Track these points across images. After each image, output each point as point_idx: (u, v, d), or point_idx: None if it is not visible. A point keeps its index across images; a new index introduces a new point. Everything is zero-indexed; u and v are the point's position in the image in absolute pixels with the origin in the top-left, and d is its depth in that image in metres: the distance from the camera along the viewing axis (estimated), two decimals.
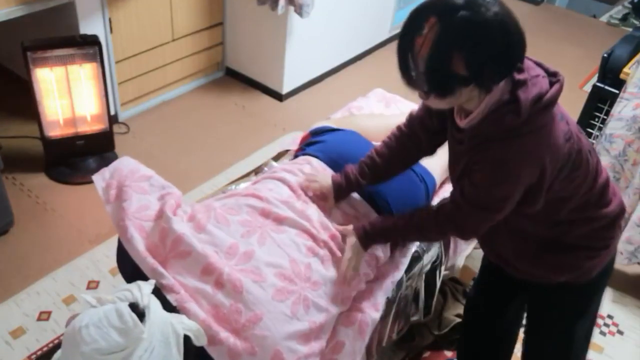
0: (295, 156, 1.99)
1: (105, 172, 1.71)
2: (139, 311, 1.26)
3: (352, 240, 1.62)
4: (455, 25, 1.19)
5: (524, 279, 1.64)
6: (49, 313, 2.34)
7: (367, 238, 1.62)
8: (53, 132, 2.93)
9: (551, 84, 1.34)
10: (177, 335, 1.29)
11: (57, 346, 2.21)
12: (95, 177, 1.70)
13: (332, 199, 1.73)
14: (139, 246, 1.48)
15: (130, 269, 1.52)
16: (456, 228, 1.50)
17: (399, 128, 1.67)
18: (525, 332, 1.82)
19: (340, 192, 1.71)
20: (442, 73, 1.23)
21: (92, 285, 2.47)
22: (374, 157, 1.68)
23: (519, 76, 1.31)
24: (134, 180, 1.66)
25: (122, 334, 1.22)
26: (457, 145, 1.45)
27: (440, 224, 1.50)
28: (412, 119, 1.63)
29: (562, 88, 1.34)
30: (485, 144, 1.35)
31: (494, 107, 1.32)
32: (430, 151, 1.67)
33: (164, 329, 1.28)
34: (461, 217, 1.46)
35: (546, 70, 1.37)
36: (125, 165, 1.71)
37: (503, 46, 1.23)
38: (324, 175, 1.74)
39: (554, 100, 1.32)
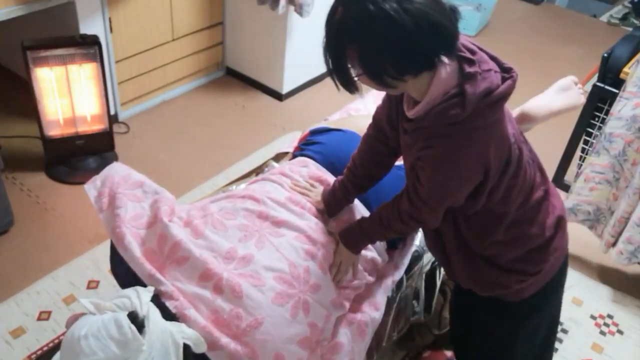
0: (294, 156, 1.98)
1: (97, 180, 1.69)
2: (138, 321, 1.25)
3: (340, 246, 1.61)
4: (350, 17, 1.19)
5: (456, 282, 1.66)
6: (49, 313, 2.34)
7: (349, 241, 1.60)
8: (53, 132, 2.93)
9: (503, 80, 1.29)
10: (176, 345, 1.29)
11: (57, 346, 2.21)
12: (87, 186, 1.68)
13: (326, 215, 1.70)
14: (136, 253, 1.48)
15: (125, 275, 1.51)
16: (419, 223, 1.49)
17: (367, 130, 1.61)
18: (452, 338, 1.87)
19: (330, 209, 1.69)
20: (338, 64, 1.25)
21: (92, 285, 2.47)
22: (351, 168, 1.64)
23: (469, 69, 1.26)
24: (127, 188, 1.65)
25: (121, 346, 1.22)
26: (403, 136, 1.42)
27: (405, 222, 1.48)
28: (376, 115, 1.57)
29: (515, 85, 1.29)
30: (429, 140, 1.32)
31: (439, 99, 1.27)
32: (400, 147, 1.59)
33: (164, 339, 1.27)
34: (418, 213, 1.44)
35: (500, 66, 1.31)
36: (116, 172, 1.69)
37: (396, 41, 1.17)
38: (316, 192, 1.72)
39: (504, 97, 1.27)
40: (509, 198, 1.41)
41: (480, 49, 1.32)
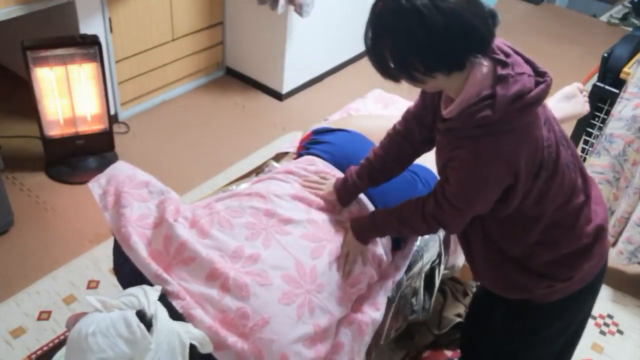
0: (299, 155, 1.97)
1: (101, 178, 1.69)
2: (146, 320, 1.25)
3: (349, 234, 1.62)
4: (385, 9, 1.22)
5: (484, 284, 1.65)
6: (49, 313, 2.34)
7: (359, 230, 1.60)
8: (53, 132, 2.93)
9: (537, 84, 1.29)
10: (183, 345, 1.29)
11: (57, 346, 2.21)
12: (91, 184, 1.68)
13: (338, 206, 1.70)
14: (142, 253, 1.48)
15: (129, 276, 1.51)
16: (440, 225, 1.48)
17: (394, 127, 1.64)
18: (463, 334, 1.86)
19: (342, 198, 1.69)
20: (377, 58, 1.27)
21: (92, 284, 2.47)
22: (370, 159, 1.65)
23: (501, 71, 1.27)
24: (132, 187, 1.64)
25: (129, 345, 1.22)
26: (438, 136, 1.42)
27: (427, 221, 1.48)
28: (407, 114, 1.60)
29: (549, 89, 1.29)
30: (459, 141, 1.32)
31: (473, 100, 1.28)
32: (425, 148, 1.61)
33: (171, 339, 1.27)
34: (442, 215, 1.44)
35: (535, 70, 1.32)
36: (121, 171, 1.69)
37: (424, 37, 1.19)
38: (328, 184, 1.72)
39: (536, 101, 1.27)
40: (543, 201, 1.40)
41: (516, 52, 1.33)
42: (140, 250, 1.48)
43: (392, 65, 1.27)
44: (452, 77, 1.28)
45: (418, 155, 1.63)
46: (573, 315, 1.65)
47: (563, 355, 1.77)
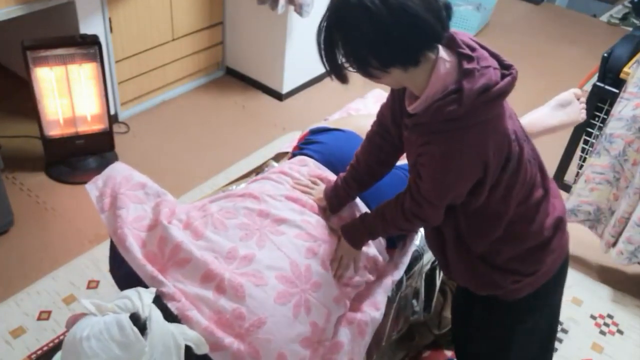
0: (293, 155, 1.97)
1: (99, 180, 1.69)
2: (140, 323, 1.25)
3: (341, 240, 1.62)
4: (335, 6, 1.25)
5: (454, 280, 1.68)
6: (49, 312, 2.34)
7: (351, 236, 1.60)
8: (53, 132, 2.93)
9: (503, 77, 1.29)
10: (178, 347, 1.28)
11: (57, 346, 2.21)
12: (89, 187, 1.68)
13: (328, 212, 1.70)
14: (138, 254, 1.48)
15: (125, 278, 1.51)
16: (421, 220, 1.48)
17: (371, 128, 1.62)
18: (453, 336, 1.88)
19: (332, 205, 1.68)
20: (328, 53, 1.29)
21: (92, 284, 2.47)
22: (354, 164, 1.64)
23: (467, 65, 1.27)
24: (129, 189, 1.65)
25: (123, 348, 1.22)
26: (405, 132, 1.42)
27: (409, 219, 1.48)
28: (380, 113, 1.59)
29: (514, 82, 1.29)
30: (428, 136, 1.32)
31: (438, 95, 1.28)
32: (403, 145, 1.59)
33: (165, 341, 1.27)
34: (421, 211, 1.44)
35: (501, 63, 1.32)
36: (118, 172, 1.69)
37: (372, 31, 1.20)
38: (318, 190, 1.72)
39: (502, 93, 1.28)
40: (509, 196, 1.41)
41: (482, 46, 1.33)
42: (136, 251, 1.48)
43: (344, 62, 1.29)
44: (410, 72, 1.28)
45: (400, 153, 1.60)
46: (545, 307, 1.67)
47: (543, 353, 1.78)
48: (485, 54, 1.31)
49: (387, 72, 1.28)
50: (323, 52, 1.30)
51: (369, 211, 1.75)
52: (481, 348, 1.76)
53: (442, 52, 1.28)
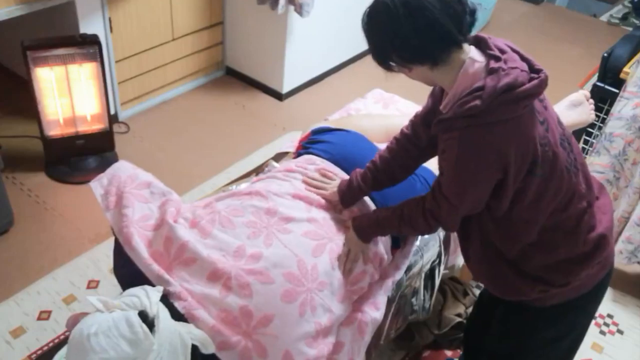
0: (298, 154, 1.97)
1: (103, 178, 1.69)
2: (148, 321, 1.25)
3: (350, 232, 1.62)
4: (370, 7, 1.33)
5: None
6: (49, 312, 2.34)
7: (361, 229, 1.61)
8: (53, 132, 2.93)
9: (531, 80, 1.30)
10: (185, 345, 1.29)
11: (57, 346, 2.21)
12: (93, 184, 1.68)
13: (339, 206, 1.71)
14: (144, 254, 1.48)
15: (130, 277, 1.51)
16: (438, 222, 1.49)
17: (401, 131, 1.65)
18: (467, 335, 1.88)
19: (345, 201, 1.69)
20: (370, 47, 1.38)
21: (92, 284, 2.47)
22: (376, 162, 1.66)
23: (494, 65, 1.30)
24: (134, 187, 1.65)
25: (132, 345, 1.22)
26: (434, 130, 1.44)
27: (426, 219, 1.49)
28: (415, 118, 1.61)
29: (542, 85, 1.30)
30: (450, 131, 1.34)
31: (465, 92, 1.31)
32: (432, 152, 1.61)
33: (173, 340, 1.27)
34: (439, 210, 1.44)
35: (531, 67, 1.33)
36: (123, 171, 1.69)
37: (390, 30, 1.28)
38: (333, 185, 1.72)
39: (528, 95, 1.28)
40: (540, 202, 1.39)
41: (514, 50, 1.34)
42: (142, 251, 1.49)
43: (376, 54, 1.37)
44: (437, 70, 1.33)
45: (423, 160, 1.64)
46: (570, 323, 1.64)
47: None
48: (515, 56, 1.33)
49: (409, 69, 1.35)
50: (367, 40, 1.39)
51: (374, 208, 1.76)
52: (495, 347, 1.74)
53: (474, 53, 1.32)
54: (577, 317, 1.63)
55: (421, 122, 1.57)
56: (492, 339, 1.74)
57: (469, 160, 1.33)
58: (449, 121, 1.34)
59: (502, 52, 1.32)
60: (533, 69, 1.33)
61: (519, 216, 1.42)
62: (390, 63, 1.36)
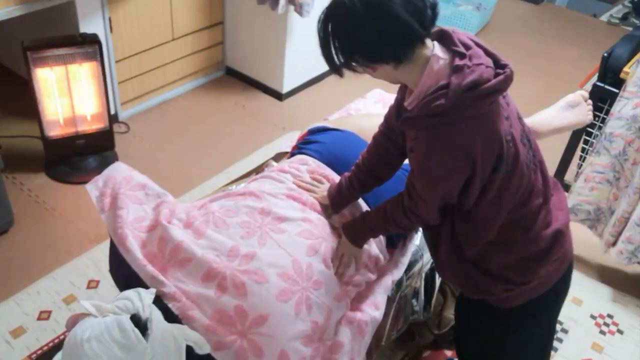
0: (292, 155, 1.97)
1: (99, 180, 1.69)
2: (141, 324, 1.25)
3: (343, 238, 1.62)
4: (327, 6, 1.30)
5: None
6: (49, 312, 2.34)
7: (352, 234, 1.61)
8: (53, 132, 2.93)
9: (497, 76, 1.29)
10: (179, 347, 1.29)
11: (57, 346, 2.21)
12: (89, 187, 1.68)
13: (329, 210, 1.71)
14: (138, 255, 1.48)
15: (125, 277, 1.51)
16: (418, 217, 1.48)
17: (378, 129, 1.64)
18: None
19: (335, 205, 1.69)
20: (324, 48, 1.33)
21: (92, 284, 2.47)
22: (359, 164, 1.65)
23: (458, 62, 1.28)
24: (129, 189, 1.65)
25: (124, 349, 1.21)
26: (400, 125, 1.44)
27: (407, 215, 1.48)
28: (388, 113, 1.60)
29: (508, 80, 1.29)
30: (416, 131, 1.34)
31: (430, 90, 1.30)
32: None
33: (166, 342, 1.27)
34: (416, 207, 1.44)
35: (496, 62, 1.32)
36: (118, 172, 1.69)
37: (349, 28, 1.25)
38: (323, 188, 1.72)
39: (494, 92, 1.27)
40: (501, 199, 1.40)
41: (478, 45, 1.33)
42: (136, 252, 1.49)
43: (335, 57, 1.33)
44: (402, 69, 1.31)
45: (405, 155, 1.61)
46: (536, 322, 1.65)
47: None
48: (480, 52, 1.31)
49: (373, 69, 1.32)
50: (320, 45, 1.33)
51: (369, 209, 1.75)
52: (477, 351, 1.76)
53: (437, 50, 1.30)
54: (542, 315, 1.65)
55: (395, 116, 1.55)
56: (469, 341, 1.77)
57: (437, 159, 1.32)
58: (415, 120, 1.33)
59: (467, 47, 1.31)
60: (498, 65, 1.31)
61: (481, 213, 1.42)
62: (353, 64, 1.33)
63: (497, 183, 1.37)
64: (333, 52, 1.32)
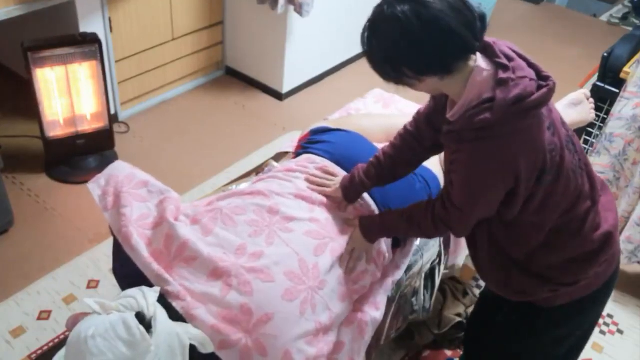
0: (297, 154, 1.97)
1: (101, 179, 1.69)
2: (145, 322, 1.25)
3: (356, 231, 1.62)
4: (372, 17, 1.29)
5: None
6: (49, 312, 2.34)
7: (368, 230, 1.61)
8: (53, 132, 2.92)
9: (539, 88, 1.29)
10: (183, 346, 1.29)
11: (57, 345, 2.21)
12: (91, 185, 1.68)
13: (343, 203, 1.71)
14: (144, 253, 1.48)
15: (129, 276, 1.51)
16: (448, 228, 1.48)
17: (404, 127, 1.64)
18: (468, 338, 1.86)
19: (349, 196, 1.69)
20: (374, 62, 1.32)
21: (92, 284, 2.47)
22: (380, 157, 1.65)
23: (502, 75, 1.28)
24: (132, 187, 1.65)
25: (129, 347, 1.22)
26: (442, 138, 1.43)
27: (436, 224, 1.48)
28: (419, 115, 1.61)
29: (551, 93, 1.29)
30: (459, 144, 1.33)
31: (474, 103, 1.30)
32: (434, 150, 1.62)
33: (170, 340, 1.27)
34: (449, 217, 1.44)
35: (538, 74, 1.32)
36: (120, 171, 1.70)
37: (403, 42, 1.24)
38: (336, 181, 1.72)
39: (537, 105, 1.27)
40: (547, 205, 1.39)
41: (521, 57, 1.33)
42: (142, 250, 1.49)
43: (386, 68, 1.32)
44: (446, 80, 1.30)
45: (427, 157, 1.63)
46: (578, 322, 1.63)
47: None
48: (523, 64, 1.31)
49: (421, 81, 1.31)
50: (368, 59, 1.33)
51: (375, 207, 1.75)
52: (503, 349, 1.73)
53: (480, 61, 1.30)
54: (585, 316, 1.63)
55: (425, 121, 1.56)
56: (496, 339, 1.74)
57: (480, 172, 1.32)
58: (459, 133, 1.33)
59: (509, 59, 1.31)
60: (541, 76, 1.31)
61: (527, 220, 1.41)
62: (405, 78, 1.31)
63: (541, 193, 1.36)
64: (382, 64, 1.31)
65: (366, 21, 1.31)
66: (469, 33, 1.23)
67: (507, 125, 1.27)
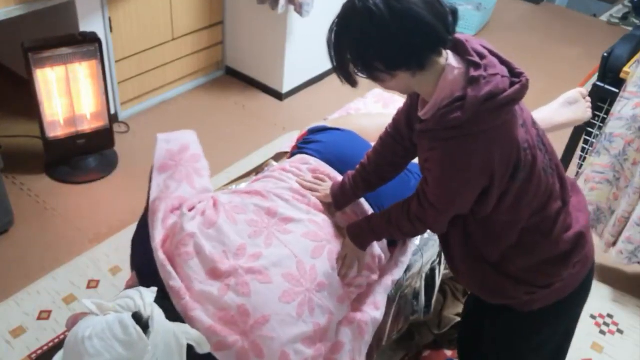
0: (292, 154, 1.97)
1: (171, 139, 1.73)
2: (142, 322, 1.25)
3: (347, 239, 1.62)
4: (343, 12, 1.28)
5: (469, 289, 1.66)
6: (49, 312, 2.34)
7: (357, 237, 1.60)
8: (54, 133, 2.92)
9: (512, 85, 1.28)
10: (180, 346, 1.29)
11: (57, 345, 2.21)
12: (162, 136, 1.72)
13: (332, 208, 1.71)
14: (157, 235, 1.52)
15: (141, 257, 1.55)
16: (424, 225, 1.48)
17: (385, 130, 1.63)
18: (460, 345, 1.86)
19: (338, 203, 1.69)
20: (338, 58, 1.31)
21: (92, 284, 2.47)
22: (364, 163, 1.64)
23: (474, 73, 1.27)
24: (193, 169, 1.69)
25: (126, 347, 1.22)
26: (415, 136, 1.43)
27: (412, 222, 1.48)
28: (398, 116, 1.59)
29: (524, 90, 1.28)
30: (433, 142, 1.33)
31: (445, 101, 1.29)
32: (417, 150, 1.58)
33: (167, 340, 1.27)
34: (425, 215, 1.44)
35: (511, 71, 1.31)
36: (191, 143, 1.77)
37: (375, 35, 1.22)
38: (325, 186, 1.73)
39: (510, 102, 1.26)
40: (519, 205, 1.39)
41: (493, 54, 1.32)
42: (158, 232, 1.52)
43: (353, 66, 1.31)
44: (418, 77, 1.29)
45: (411, 157, 1.62)
46: (558, 324, 1.64)
47: None
48: (495, 61, 1.30)
49: (393, 76, 1.29)
50: (333, 56, 1.32)
51: (370, 210, 1.75)
52: (492, 355, 1.73)
53: (452, 59, 1.29)
54: (564, 317, 1.64)
55: (405, 120, 1.55)
56: (485, 345, 1.74)
57: (454, 171, 1.32)
58: (431, 132, 1.32)
59: (481, 56, 1.29)
60: (513, 73, 1.30)
61: (499, 219, 1.41)
62: (377, 72, 1.29)
63: (515, 191, 1.36)
64: (350, 59, 1.30)
65: (334, 18, 1.29)
66: (441, 25, 1.22)
67: (480, 123, 1.26)
